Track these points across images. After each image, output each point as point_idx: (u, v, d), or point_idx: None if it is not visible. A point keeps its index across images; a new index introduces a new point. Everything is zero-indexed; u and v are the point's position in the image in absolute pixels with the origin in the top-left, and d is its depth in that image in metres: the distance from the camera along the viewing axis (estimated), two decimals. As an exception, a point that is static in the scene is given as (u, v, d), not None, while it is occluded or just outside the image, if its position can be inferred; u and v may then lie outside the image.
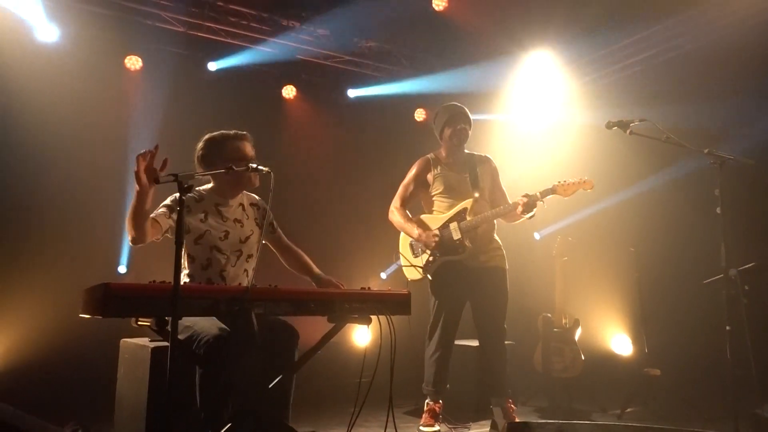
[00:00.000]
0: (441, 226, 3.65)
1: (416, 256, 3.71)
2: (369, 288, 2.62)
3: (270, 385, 2.56)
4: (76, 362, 4.23)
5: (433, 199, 3.78)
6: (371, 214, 6.24)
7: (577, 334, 4.49)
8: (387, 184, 6.26)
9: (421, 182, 3.81)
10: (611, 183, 5.19)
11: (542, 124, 6.13)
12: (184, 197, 2.02)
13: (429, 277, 3.61)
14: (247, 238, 2.93)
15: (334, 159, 6.12)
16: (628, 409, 4.06)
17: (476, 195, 3.64)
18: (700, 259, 3.96)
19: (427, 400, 3.67)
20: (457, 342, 4.50)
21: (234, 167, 2.53)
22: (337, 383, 4.81)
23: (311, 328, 3.01)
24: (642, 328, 4.36)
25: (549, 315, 4.73)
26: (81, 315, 2.24)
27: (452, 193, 3.69)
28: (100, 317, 2.02)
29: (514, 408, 3.68)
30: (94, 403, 3.57)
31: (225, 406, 2.50)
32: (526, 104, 6.16)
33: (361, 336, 5.55)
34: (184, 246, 2.71)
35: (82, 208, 4.73)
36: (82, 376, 4.10)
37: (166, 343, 2.26)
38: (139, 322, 2.34)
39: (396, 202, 3.83)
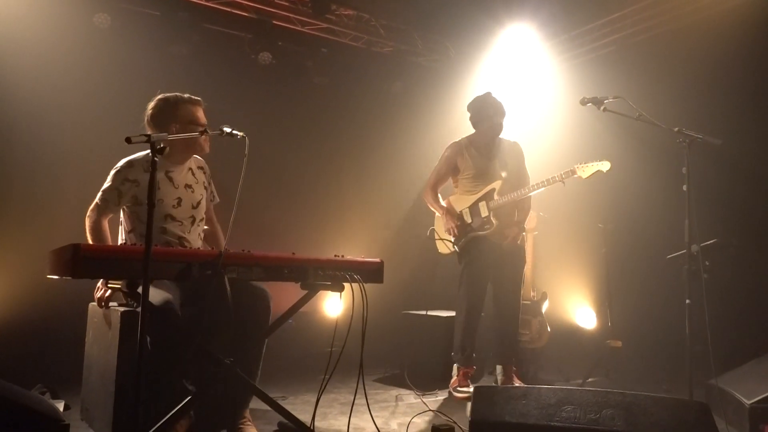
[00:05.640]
0: (471, 205, 3.94)
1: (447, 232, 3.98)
2: (342, 255, 2.63)
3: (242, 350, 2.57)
4: (43, 325, 4.18)
5: (464, 181, 4.02)
6: (344, 182, 6.25)
7: (545, 306, 4.60)
8: (360, 153, 6.29)
9: (452, 166, 4.05)
10: (584, 159, 5.26)
11: (518, 100, 6.16)
12: (157, 158, 1.98)
13: (457, 249, 3.94)
14: (198, 203, 2.96)
15: (309, 127, 6.06)
16: (590, 379, 4.20)
17: (504, 176, 3.91)
18: (665, 235, 4.07)
19: (457, 365, 3.91)
20: (422, 312, 4.61)
21: (209, 130, 2.51)
22: (308, 352, 4.86)
23: (283, 294, 3.02)
24: (607, 301, 4.49)
25: (518, 288, 4.82)
26: (49, 276, 2.21)
27: (482, 176, 3.95)
28: (69, 278, 1.99)
29: (517, 374, 3.97)
30: (62, 367, 3.54)
31: (174, 375, 2.49)
32: (504, 79, 6.16)
33: (333, 306, 5.59)
34: (137, 215, 2.77)
35: (49, 167, 4.62)
36: (49, 338, 4.06)
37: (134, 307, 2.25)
38: (109, 285, 2.32)
39: (428, 184, 4.13)
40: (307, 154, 6.03)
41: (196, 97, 2.87)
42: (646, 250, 4.82)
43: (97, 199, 2.77)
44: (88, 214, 2.77)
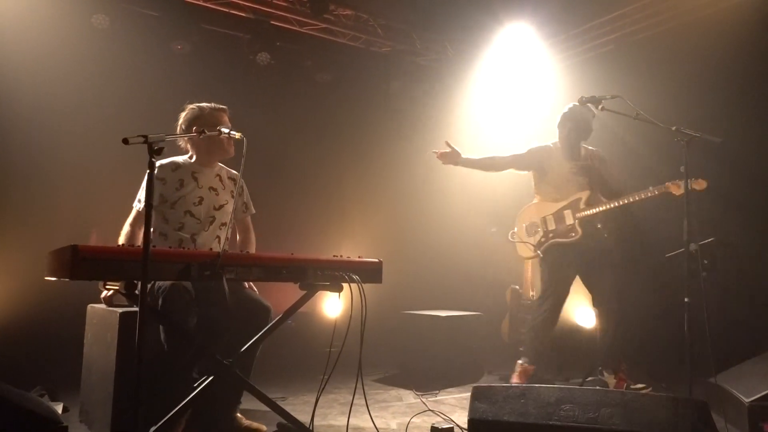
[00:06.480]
0: (555, 212, 3.96)
1: (530, 235, 4.05)
2: (341, 256, 2.63)
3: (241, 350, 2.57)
4: (42, 326, 4.17)
5: (548, 187, 4.03)
6: (343, 182, 6.24)
7: (544, 305, 4.59)
8: (359, 153, 6.29)
9: (538, 166, 4.05)
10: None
11: (517, 99, 6.16)
12: (154, 159, 1.98)
13: (540, 254, 3.97)
14: (222, 206, 3.00)
15: (308, 128, 6.06)
16: (589, 378, 4.19)
17: (590, 185, 3.93)
18: (663, 233, 4.07)
19: (521, 361, 3.89)
20: (424, 312, 4.62)
21: (206, 131, 2.53)
22: (307, 352, 4.85)
23: (282, 295, 3.02)
24: (606, 300, 4.47)
25: (518, 287, 4.84)
26: (47, 278, 2.21)
27: (568, 183, 3.96)
28: (67, 279, 1.99)
29: (625, 371, 3.85)
30: (61, 368, 3.54)
31: (191, 351, 2.51)
32: (502, 78, 6.16)
33: (332, 306, 5.58)
34: (162, 214, 2.85)
35: (47, 169, 4.61)
36: (47, 340, 4.05)
37: (133, 309, 2.24)
38: (107, 286, 2.31)
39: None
40: (305, 155, 6.03)
41: (220, 105, 3.01)
42: (644, 248, 4.82)
43: (134, 206, 2.92)
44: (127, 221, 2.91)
